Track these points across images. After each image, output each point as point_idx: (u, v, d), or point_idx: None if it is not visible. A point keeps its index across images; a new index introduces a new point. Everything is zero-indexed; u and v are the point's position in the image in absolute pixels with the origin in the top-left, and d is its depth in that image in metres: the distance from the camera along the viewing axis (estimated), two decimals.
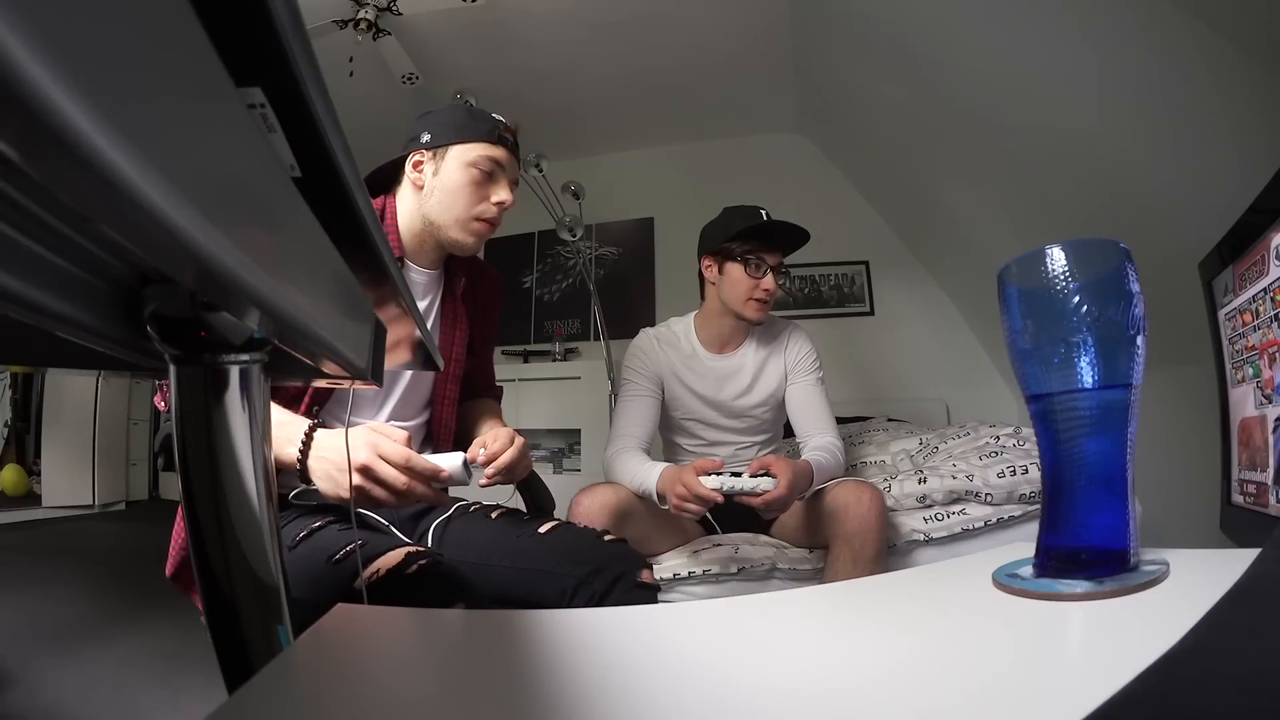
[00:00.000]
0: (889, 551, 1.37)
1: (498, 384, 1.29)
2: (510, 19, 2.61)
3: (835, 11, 2.30)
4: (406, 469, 0.74)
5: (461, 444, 1.12)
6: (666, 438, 1.65)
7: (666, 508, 1.26)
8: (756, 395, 1.55)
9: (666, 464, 1.32)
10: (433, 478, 0.76)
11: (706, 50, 2.80)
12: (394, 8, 2.49)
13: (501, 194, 1.02)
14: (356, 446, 0.72)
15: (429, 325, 1.09)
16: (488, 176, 1.01)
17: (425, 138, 1.02)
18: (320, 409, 0.95)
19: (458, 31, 2.68)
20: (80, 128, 0.11)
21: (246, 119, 0.20)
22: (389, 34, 2.58)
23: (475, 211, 1.01)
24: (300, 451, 0.76)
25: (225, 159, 0.18)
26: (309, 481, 0.77)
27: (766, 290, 1.45)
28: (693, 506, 1.19)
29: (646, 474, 1.30)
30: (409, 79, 2.84)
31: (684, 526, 1.48)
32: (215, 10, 0.18)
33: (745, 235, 1.44)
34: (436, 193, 1.01)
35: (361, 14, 2.47)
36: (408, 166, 1.04)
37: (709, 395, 1.54)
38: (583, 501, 1.28)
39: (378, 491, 0.73)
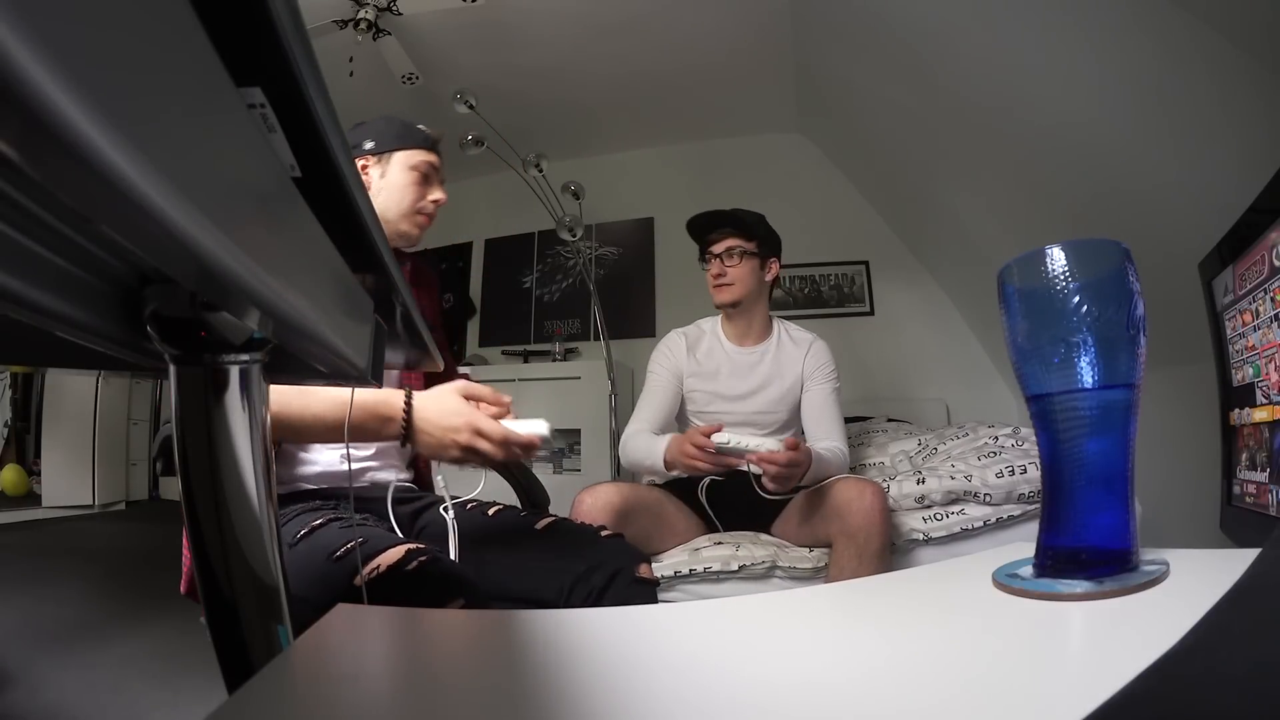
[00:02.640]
0: None
1: (460, 371, 1.31)
2: (510, 19, 2.60)
3: (836, 11, 2.30)
4: (504, 444, 0.82)
5: None
6: (682, 430, 1.69)
7: (675, 474, 1.39)
8: (772, 390, 1.62)
9: (672, 435, 1.43)
10: (529, 447, 0.84)
11: (707, 50, 2.80)
12: (394, 8, 2.49)
13: (438, 193, 1.15)
14: (458, 428, 0.80)
15: None
16: (425, 179, 1.14)
17: (369, 145, 1.12)
18: None
19: (458, 31, 2.68)
20: (80, 128, 0.11)
21: (246, 119, 0.20)
22: (389, 34, 2.57)
23: (418, 206, 1.14)
24: (404, 417, 0.81)
25: (225, 159, 0.18)
26: (409, 443, 0.83)
27: (715, 276, 1.60)
28: (703, 464, 1.29)
29: (656, 447, 1.43)
30: (409, 79, 2.84)
31: (685, 525, 1.49)
32: (215, 10, 0.18)
33: (692, 235, 1.65)
34: (384, 192, 1.11)
35: (361, 14, 2.47)
36: None
37: (726, 383, 1.63)
38: (585, 500, 1.29)
39: (475, 460, 0.83)
